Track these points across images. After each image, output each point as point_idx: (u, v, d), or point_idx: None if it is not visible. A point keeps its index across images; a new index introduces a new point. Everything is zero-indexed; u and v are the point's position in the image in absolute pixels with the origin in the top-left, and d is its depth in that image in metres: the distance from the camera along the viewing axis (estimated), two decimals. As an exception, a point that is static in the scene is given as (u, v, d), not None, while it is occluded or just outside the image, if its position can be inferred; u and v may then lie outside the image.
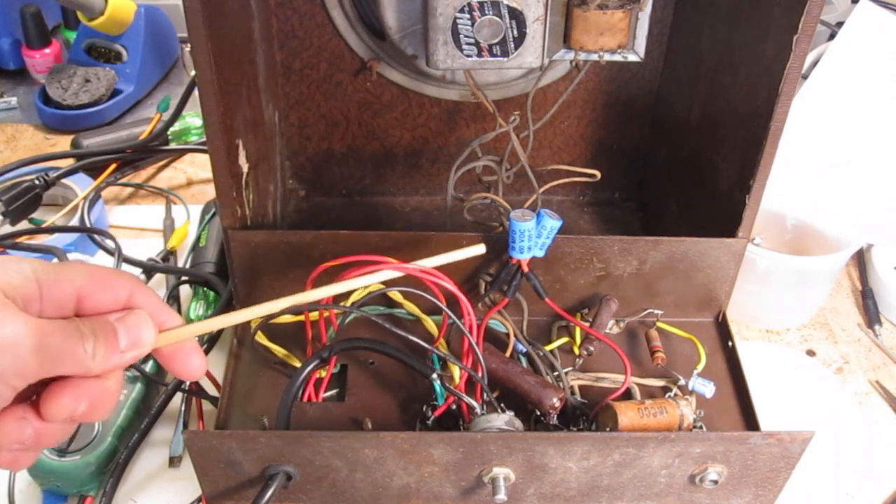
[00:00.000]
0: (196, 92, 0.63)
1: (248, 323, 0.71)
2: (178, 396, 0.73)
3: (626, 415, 0.61)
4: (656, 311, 0.73)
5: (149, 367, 0.73)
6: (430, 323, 0.72)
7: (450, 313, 0.64)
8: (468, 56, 0.64)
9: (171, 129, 1.05)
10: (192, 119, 1.07)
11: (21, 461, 0.42)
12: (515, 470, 0.58)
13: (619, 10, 0.63)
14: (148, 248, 0.90)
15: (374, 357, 0.70)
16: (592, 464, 0.58)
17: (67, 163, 0.96)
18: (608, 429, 0.62)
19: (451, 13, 0.62)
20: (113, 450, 0.67)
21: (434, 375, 0.64)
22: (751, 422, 0.65)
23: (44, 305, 0.40)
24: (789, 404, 0.77)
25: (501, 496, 0.57)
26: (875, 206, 0.93)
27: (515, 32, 0.63)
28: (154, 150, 1.04)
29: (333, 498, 0.60)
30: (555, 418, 0.63)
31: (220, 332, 0.76)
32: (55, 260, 0.81)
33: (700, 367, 0.69)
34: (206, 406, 0.74)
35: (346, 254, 0.68)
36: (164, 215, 0.96)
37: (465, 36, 0.63)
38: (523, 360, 0.69)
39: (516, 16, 0.63)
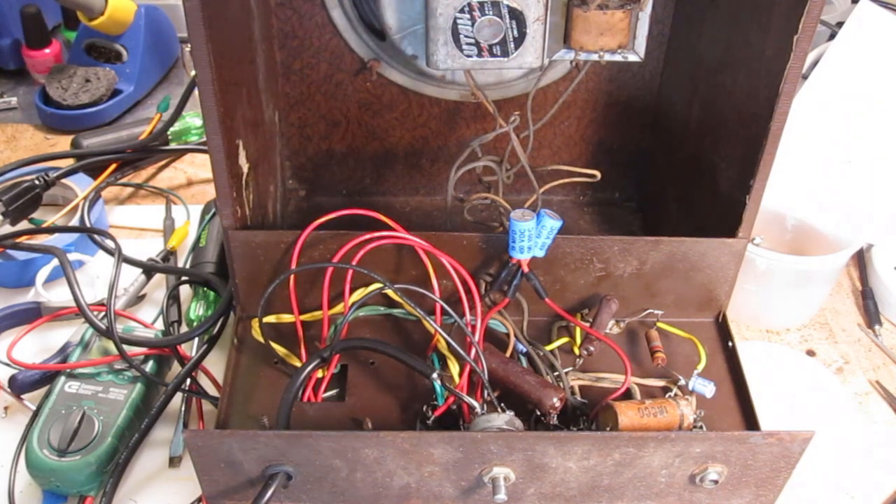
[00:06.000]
0: (196, 92, 0.63)
1: (248, 323, 0.72)
2: (178, 396, 0.73)
3: (627, 415, 0.61)
4: (656, 312, 0.73)
5: (149, 367, 0.73)
6: (430, 323, 0.72)
7: (449, 310, 0.64)
8: (468, 56, 0.64)
9: (171, 129, 1.05)
10: (192, 119, 1.07)
11: None
12: (515, 470, 0.58)
13: (620, 10, 0.63)
14: (148, 248, 0.90)
15: (374, 357, 0.70)
16: (592, 463, 0.58)
17: (67, 163, 0.96)
18: (608, 429, 0.62)
19: (452, 13, 0.62)
20: (113, 450, 0.67)
21: (434, 375, 0.64)
22: (751, 422, 0.65)
23: None
24: (789, 404, 0.77)
25: (501, 496, 0.57)
26: (875, 206, 0.93)
27: (515, 32, 0.63)
28: (154, 150, 1.04)
29: (333, 498, 0.60)
30: (555, 418, 0.63)
31: (220, 331, 0.76)
32: (55, 260, 0.81)
33: (700, 367, 0.69)
34: (206, 406, 0.74)
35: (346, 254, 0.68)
36: (164, 215, 0.96)
37: (466, 36, 0.63)
38: (523, 360, 0.69)
39: (516, 16, 0.63)
